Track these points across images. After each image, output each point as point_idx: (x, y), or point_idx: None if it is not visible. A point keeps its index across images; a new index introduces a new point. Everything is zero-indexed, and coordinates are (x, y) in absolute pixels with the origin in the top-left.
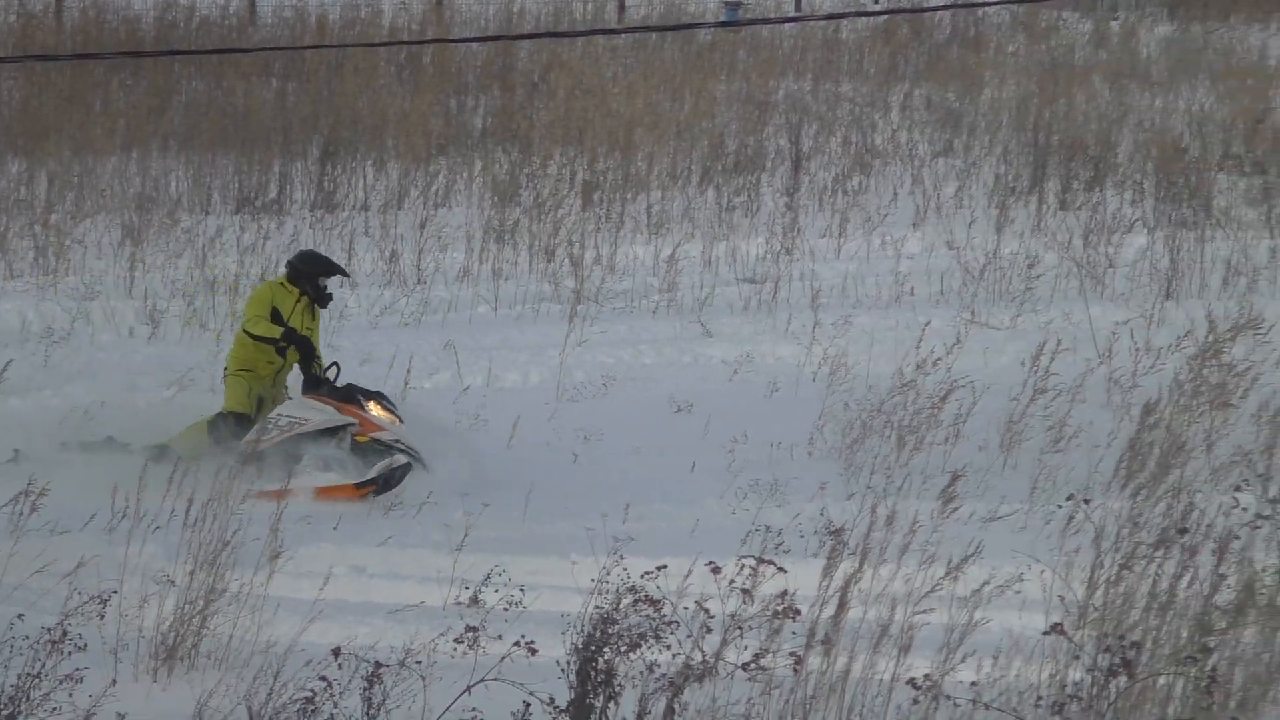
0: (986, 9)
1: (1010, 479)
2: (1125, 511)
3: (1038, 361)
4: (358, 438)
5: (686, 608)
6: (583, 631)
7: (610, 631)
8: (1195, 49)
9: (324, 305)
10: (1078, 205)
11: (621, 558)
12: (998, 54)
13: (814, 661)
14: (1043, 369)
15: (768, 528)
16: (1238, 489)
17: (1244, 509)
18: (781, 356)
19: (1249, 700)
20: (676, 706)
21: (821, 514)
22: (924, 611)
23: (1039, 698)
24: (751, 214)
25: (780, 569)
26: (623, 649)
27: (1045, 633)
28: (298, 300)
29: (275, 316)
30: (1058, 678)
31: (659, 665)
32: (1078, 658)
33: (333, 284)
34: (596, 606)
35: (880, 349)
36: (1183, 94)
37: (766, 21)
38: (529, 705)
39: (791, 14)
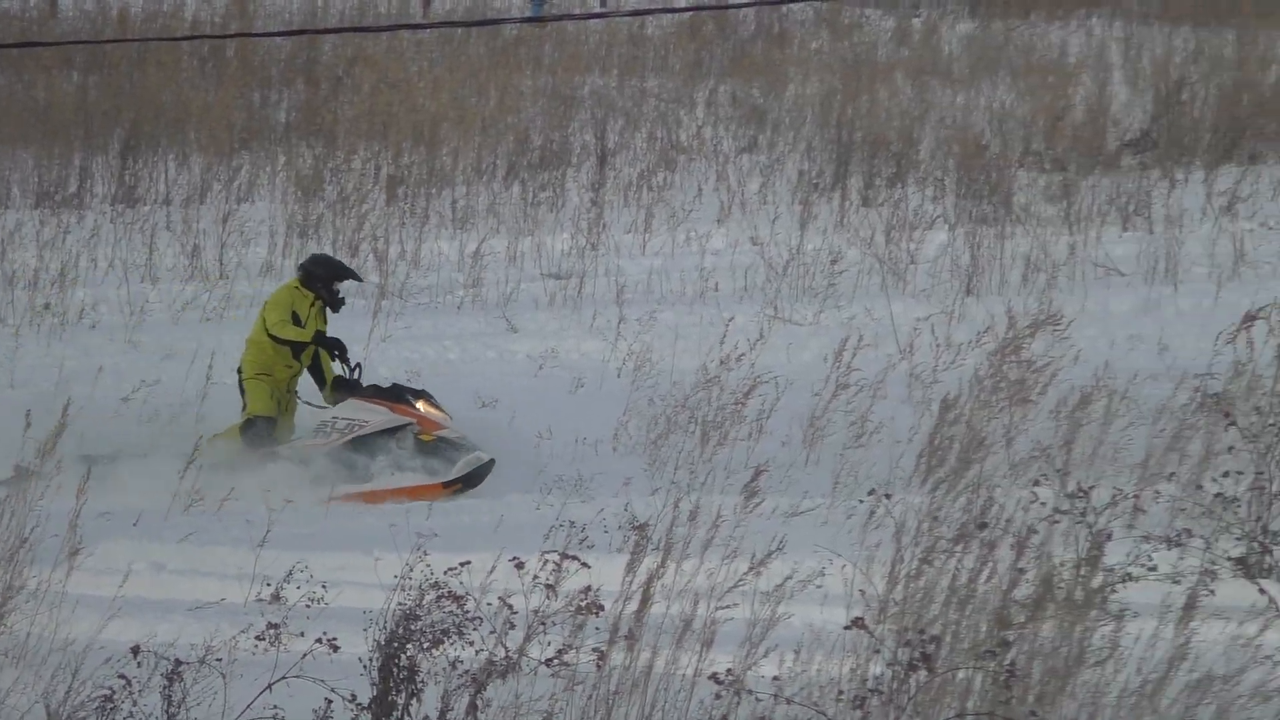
0: (791, 5)
1: (812, 474)
2: (925, 506)
3: (840, 357)
4: (422, 437)
5: (490, 603)
6: (385, 628)
7: (413, 628)
8: (996, 46)
9: (336, 309)
10: (880, 202)
11: (425, 553)
12: (801, 50)
13: (617, 657)
14: (845, 365)
15: (572, 523)
16: (1036, 484)
17: (1042, 504)
18: (586, 352)
19: (1047, 694)
20: (479, 703)
21: (626, 509)
22: (727, 606)
23: (840, 692)
24: (557, 209)
25: (584, 564)
26: (425, 645)
27: (846, 627)
28: (312, 304)
29: (294, 320)
30: (859, 672)
31: (462, 661)
32: (878, 652)
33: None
34: (399, 603)
35: (685, 345)
36: (984, 91)
37: (572, 17)
38: (331, 702)
39: (597, 10)
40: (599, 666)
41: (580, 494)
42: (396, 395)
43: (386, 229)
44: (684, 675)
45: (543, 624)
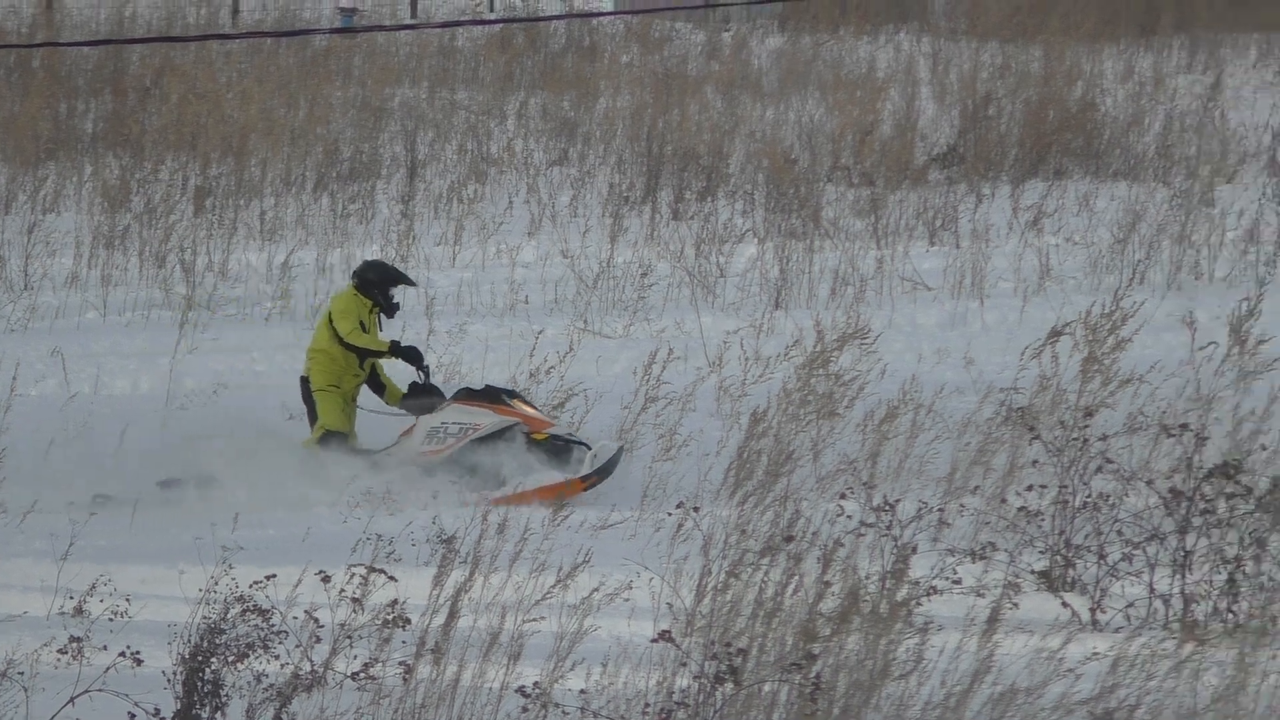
0: (601, 19)
1: (621, 486)
2: (733, 519)
3: (649, 370)
4: (535, 436)
5: (296, 617)
6: (190, 641)
7: (218, 641)
8: (805, 61)
9: (392, 315)
10: (690, 215)
11: (230, 567)
12: (612, 64)
13: (424, 670)
14: (654, 378)
15: (379, 536)
16: (843, 497)
17: (849, 517)
18: (396, 364)
19: (852, 707)
20: (284, 716)
21: (434, 522)
22: (534, 620)
23: (646, 705)
24: (367, 221)
25: (391, 578)
26: (230, 659)
27: (653, 640)
28: (370, 311)
29: (362, 329)
30: (665, 685)
31: (267, 675)
32: (685, 665)
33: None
34: (204, 616)
35: (495, 357)
36: (793, 105)
37: (382, 28)
38: (134, 716)
39: (408, 21)
40: (405, 680)
41: (388, 506)
42: (493, 396)
43: (194, 240)
44: (491, 688)
45: (349, 637)
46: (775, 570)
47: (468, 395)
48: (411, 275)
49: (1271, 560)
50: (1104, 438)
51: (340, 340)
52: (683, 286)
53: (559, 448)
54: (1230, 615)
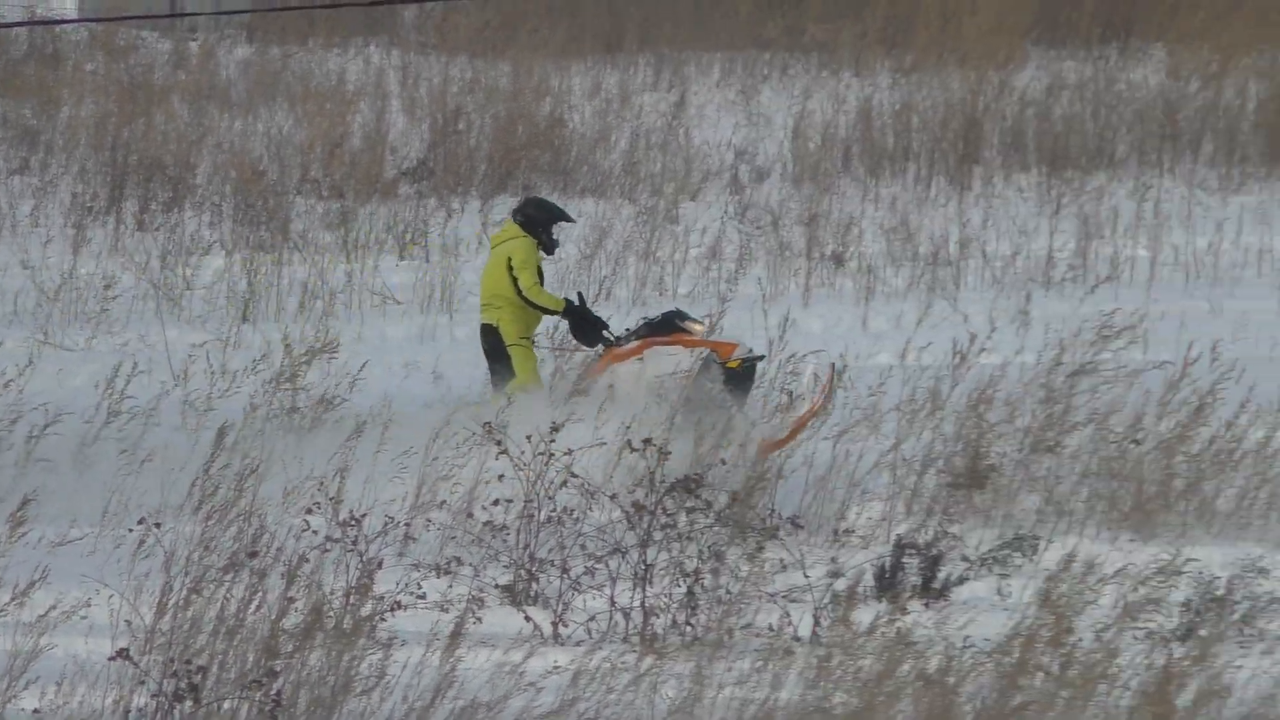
0: (64, 26)
1: (82, 502)
2: (197, 535)
3: (112, 384)
4: (729, 365)
5: None
6: None
7: None
8: (274, 72)
9: (552, 253)
10: (156, 226)
11: None
12: (75, 71)
13: None
14: (117, 392)
15: None
16: (309, 512)
17: (315, 532)
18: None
19: None
20: None
21: None
22: None
23: None
24: None
25: None
26: None
27: (111, 658)
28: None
29: (539, 278)
30: (123, 703)
31: None
32: (143, 683)
33: None
34: None
35: None
36: (262, 116)
37: None
38: None
39: None
40: None
41: None
42: (669, 325)
43: None
44: None
45: None
46: (238, 586)
47: (650, 332)
48: None
49: (729, 573)
50: (569, 452)
51: (517, 290)
52: (147, 299)
53: (747, 370)
54: (689, 628)
